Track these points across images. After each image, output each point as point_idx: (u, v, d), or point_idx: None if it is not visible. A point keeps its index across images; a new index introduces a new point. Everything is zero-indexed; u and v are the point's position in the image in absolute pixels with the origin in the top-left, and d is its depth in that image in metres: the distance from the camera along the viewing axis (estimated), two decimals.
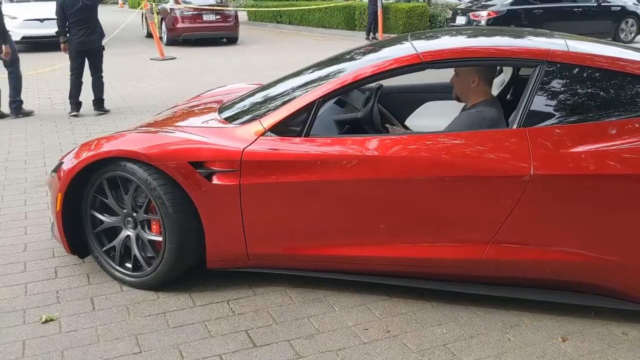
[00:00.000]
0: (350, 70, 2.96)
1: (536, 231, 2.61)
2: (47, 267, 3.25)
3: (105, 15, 9.16)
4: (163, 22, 15.36)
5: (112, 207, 3.02)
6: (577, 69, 2.70)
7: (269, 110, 2.94)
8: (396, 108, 3.45)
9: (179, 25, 15.13)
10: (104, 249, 3.09)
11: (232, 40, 16.11)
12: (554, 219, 2.57)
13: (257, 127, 2.84)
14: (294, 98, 2.92)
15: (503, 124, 2.85)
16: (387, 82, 3.35)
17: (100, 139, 3.08)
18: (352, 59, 3.28)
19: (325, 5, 19.60)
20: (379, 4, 16.15)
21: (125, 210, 3.00)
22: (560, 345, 2.51)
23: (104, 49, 7.33)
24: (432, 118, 3.45)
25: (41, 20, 14.04)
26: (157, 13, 15.01)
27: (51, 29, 14.07)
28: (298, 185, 2.72)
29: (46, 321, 2.72)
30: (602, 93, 2.68)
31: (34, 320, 2.74)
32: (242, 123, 2.94)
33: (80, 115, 7.23)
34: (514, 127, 2.63)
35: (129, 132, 3.09)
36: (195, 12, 15.30)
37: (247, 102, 3.31)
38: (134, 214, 2.98)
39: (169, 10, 15.46)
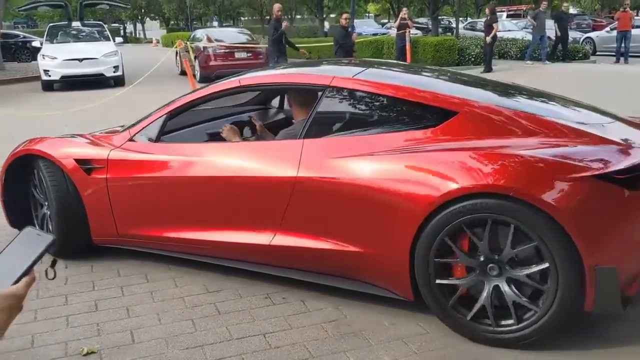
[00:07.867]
0: (193, 94, 3.73)
1: (306, 225, 3.10)
2: (87, 300, 3.32)
3: (141, 54, 9.49)
4: (196, 60, 15.78)
5: (38, 197, 4.00)
6: (351, 93, 3.28)
7: (136, 122, 3.77)
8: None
9: (212, 62, 15.53)
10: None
11: None
12: (315, 215, 3.06)
13: (126, 135, 3.72)
14: (155, 113, 3.73)
15: None
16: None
17: (34, 139, 3.99)
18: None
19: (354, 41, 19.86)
20: (407, 39, 16.32)
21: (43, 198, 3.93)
22: None
23: None
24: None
25: (80, 60, 14.53)
26: (190, 51, 15.41)
27: (90, 68, 14.68)
28: (144, 179, 3.53)
29: (87, 354, 2.77)
30: (369, 112, 3.33)
31: (75, 352, 2.79)
32: (122, 132, 3.80)
33: None
34: (297, 138, 3.17)
35: (52, 137, 4.01)
36: (228, 50, 15.70)
37: (139, 117, 3.98)
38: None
39: (202, 49, 15.90)
